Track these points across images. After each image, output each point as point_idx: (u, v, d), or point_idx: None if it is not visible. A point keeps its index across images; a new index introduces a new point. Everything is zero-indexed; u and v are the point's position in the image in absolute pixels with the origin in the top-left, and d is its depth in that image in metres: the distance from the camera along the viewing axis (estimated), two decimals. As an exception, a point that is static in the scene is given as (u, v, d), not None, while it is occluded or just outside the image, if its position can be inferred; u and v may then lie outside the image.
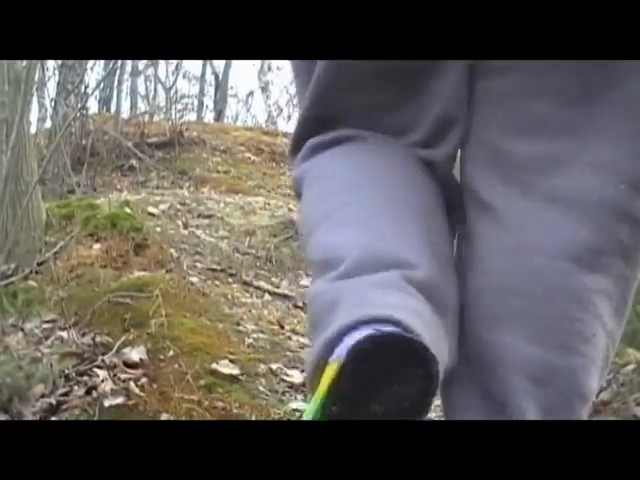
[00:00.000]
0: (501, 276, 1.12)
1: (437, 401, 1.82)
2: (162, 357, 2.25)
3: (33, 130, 5.01)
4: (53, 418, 2.01)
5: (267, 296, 2.95)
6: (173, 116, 6.82)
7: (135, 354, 2.25)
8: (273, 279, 3.12)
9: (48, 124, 6.40)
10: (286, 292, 3.03)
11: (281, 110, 12.17)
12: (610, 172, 1.06)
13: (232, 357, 2.33)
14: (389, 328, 0.94)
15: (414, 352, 0.94)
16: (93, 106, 10.15)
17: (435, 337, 1.02)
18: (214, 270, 3.03)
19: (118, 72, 10.47)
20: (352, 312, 0.98)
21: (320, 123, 1.30)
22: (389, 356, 0.95)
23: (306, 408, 1.00)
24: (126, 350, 2.27)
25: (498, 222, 1.11)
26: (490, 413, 1.12)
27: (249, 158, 6.29)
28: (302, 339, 2.70)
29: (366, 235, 1.12)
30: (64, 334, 2.35)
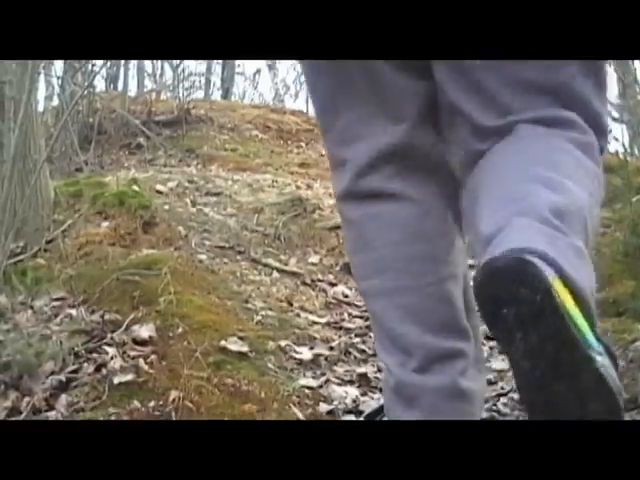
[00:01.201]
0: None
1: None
2: (171, 334, 2.26)
3: (40, 108, 5.00)
4: (63, 395, 2.02)
5: (275, 273, 2.96)
6: (180, 94, 6.80)
7: (144, 331, 2.26)
8: (281, 256, 3.12)
9: (55, 102, 6.39)
10: (295, 269, 3.03)
11: (288, 88, 12.13)
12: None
13: (241, 334, 2.33)
14: None
15: None
16: (100, 84, 10.12)
17: None
18: (222, 248, 3.03)
19: (125, 50, 10.42)
20: None
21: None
22: None
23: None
24: (135, 327, 2.28)
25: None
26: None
27: (257, 136, 6.28)
28: (310, 316, 2.71)
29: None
30: (73, 312, 2.36)
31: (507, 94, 1.46)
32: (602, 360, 1.18)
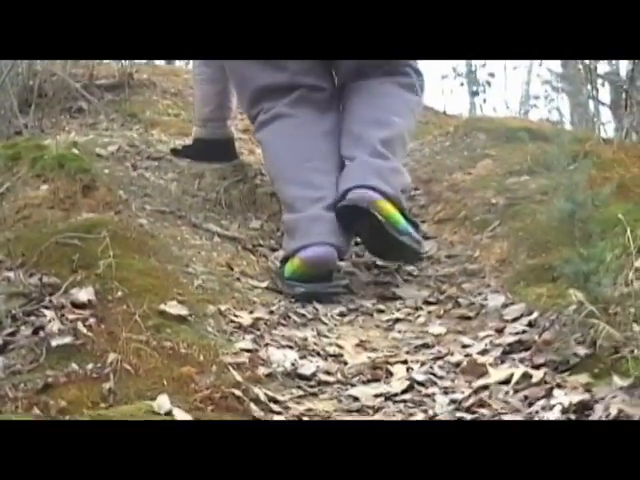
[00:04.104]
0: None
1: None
2: (110, 298, 2.25)
3: (-22, 70, 4.90)
4: (0, 358, 2.01)
5: (216, 238, 2.96)
6: (123, 58, 6.69)
7: (83, 294, 2.25)
8: (223, 221, 3.12)
9: (-6, 65, 6.26)
10: (235, 234, 3.03)
11: (233, 53, 12.03)
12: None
13: (181, 298, 2.33)
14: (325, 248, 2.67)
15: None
16: (41, 47, 9.96)
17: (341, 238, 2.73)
18: (163, 212, 3.01)
19: (66, 12, 10.24)
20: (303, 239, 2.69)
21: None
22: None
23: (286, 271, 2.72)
24: (74, 291, 2.26)
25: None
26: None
27: (200, 101, 6.22)
28: (251, 281, 2.72)
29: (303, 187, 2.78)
30: (11, 274, 2.33)
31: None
32: (410, 239, 2.72)
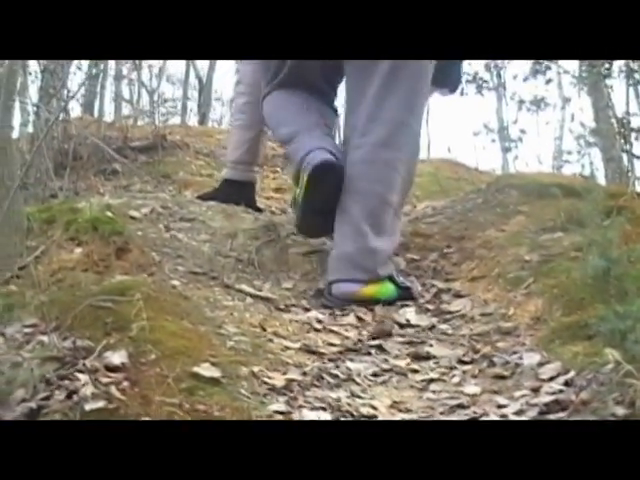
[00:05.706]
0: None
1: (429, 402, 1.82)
2: (143, 360, 2.25)
3: (15, 135, 4.98)
4: (34, 423, 2.01)
5: (249, 299, 2.96)
6: (157, 120, 6.80)
7: (116, 358, 2.24)
8: (255, 282, 3.12)
9: (30, 129, 6.38)
10: (268, 295, 3.03)
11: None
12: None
13: (213, 360, 2.32)
14: (328, 155, 3.14)
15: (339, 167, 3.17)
16: (77, 110, 10.14)
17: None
18: (196, 273, 3.02)
19: (101, 76, 10.44)
20: (307, 147, 3.17)
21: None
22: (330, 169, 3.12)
23: (296, 191, 3.28)
24: (107, 354, 2.26)
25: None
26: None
27: (232, 161, 6.26)
28: (284, 341, 2.70)
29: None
30: (45, 338, 2.34)
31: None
32: (398, 295, 3.18)
